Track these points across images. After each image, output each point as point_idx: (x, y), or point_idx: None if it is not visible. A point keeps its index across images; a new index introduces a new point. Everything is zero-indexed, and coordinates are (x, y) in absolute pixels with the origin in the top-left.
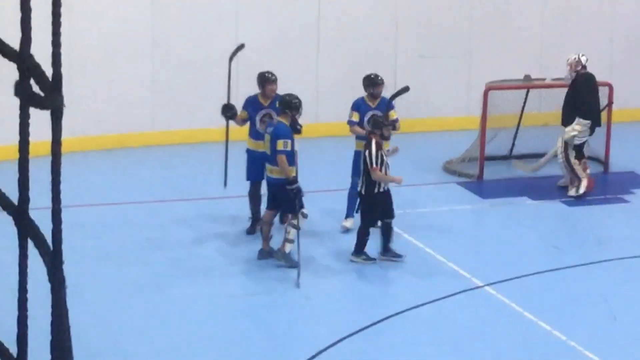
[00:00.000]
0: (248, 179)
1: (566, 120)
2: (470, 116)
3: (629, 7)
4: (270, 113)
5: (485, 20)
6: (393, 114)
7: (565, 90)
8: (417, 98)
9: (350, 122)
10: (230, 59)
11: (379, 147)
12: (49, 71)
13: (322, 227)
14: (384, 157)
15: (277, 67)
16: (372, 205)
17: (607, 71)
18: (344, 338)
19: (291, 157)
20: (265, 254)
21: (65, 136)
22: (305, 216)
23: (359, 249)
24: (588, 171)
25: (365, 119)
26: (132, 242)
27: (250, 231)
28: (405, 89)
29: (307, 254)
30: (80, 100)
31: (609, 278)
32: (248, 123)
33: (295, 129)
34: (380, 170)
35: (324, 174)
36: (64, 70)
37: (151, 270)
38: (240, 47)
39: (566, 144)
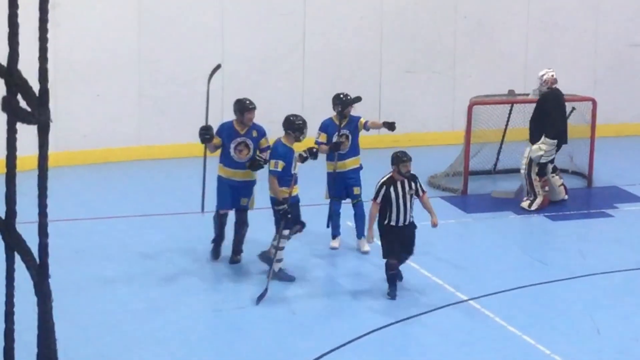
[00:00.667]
0: (218, 207)
1: (532, 137)
2: (455, 131)
3: (613, 22)
4: (246, 142)
5: (470, 35)
6: (362, 120)
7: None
8: (402, 113)
9: (316, 143)
10: (209, 80)
11: (390, 182)
12: (35, 86)
13: (310, 242)
14: (399, 194)
15: (263, 83)
16: (383, 236)
17: (591, 86)
18: (330, 352)
19: (283, 178)
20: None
21: (51, 150)
22: (286, 237)
23: (389, 283)
24: (546, 188)
25: (333, 140)
26: (117, 256)
27: (215, 256)
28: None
29: (296, 268)
30: (67, 114)
31: (593, 292)
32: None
33: (312, 152)
34: (395, 207)
35: (308, 189)
36: (50, 85)
37: (137, 285)
38: (217, 67)
39: (531, 160)
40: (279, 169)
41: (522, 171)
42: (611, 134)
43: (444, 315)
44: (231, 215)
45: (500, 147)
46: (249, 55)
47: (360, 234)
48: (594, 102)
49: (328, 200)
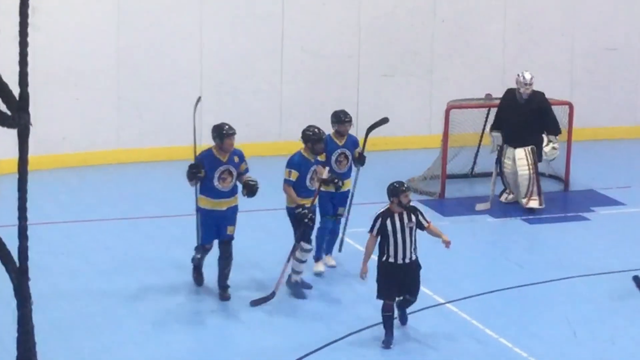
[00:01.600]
0: (204, 242)
1: (527, 140)
2: (432, 134)
3: (590, 26)
4: (229, 169)
5: (447, 39)
6: (356, 153)
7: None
8: (379, 116)
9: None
10: (193, 113)
11: (387, 214)
12: (15, 90)
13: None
14: (397, 227)
15: (241, 85)
16: (380, 274)
17: (568, 90)
18: (308, 354)
19: (298, 187)
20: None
21: (30, 154)
22: (305, 250)
23: (385, 328)
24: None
25: (333, 158)
26: (98, 259)
27: (200, 281)
28: (384, 120)
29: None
30: (46, 118)
31: (570, 295)
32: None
33: (334, 183)
34: (393, 241)
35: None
36: (29, 89)
37: (117, 288)
38: (198, 100)
39: (534, 162)
40: (292, 179)
41: (525, 173)
42: (588, 137)
43: (421, 319)
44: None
45: (478, 151)
46: (227, 58)
47: (328, 250)
48: (571, 106)
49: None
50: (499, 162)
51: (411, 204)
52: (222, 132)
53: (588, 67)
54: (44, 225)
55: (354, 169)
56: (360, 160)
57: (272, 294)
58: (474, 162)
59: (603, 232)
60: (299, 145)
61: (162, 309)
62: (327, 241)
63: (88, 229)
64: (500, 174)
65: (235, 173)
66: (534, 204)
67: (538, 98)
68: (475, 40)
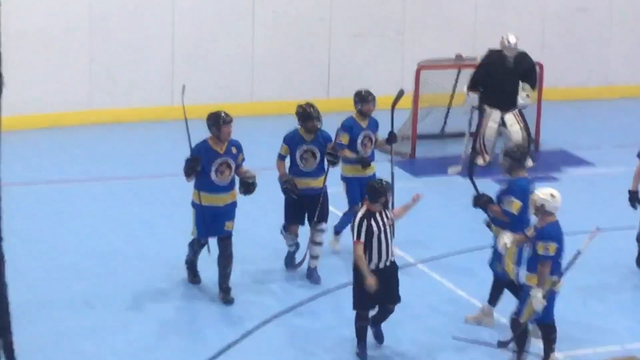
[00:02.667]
0: (200, 237)
1: (512, 102)
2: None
3: None
4: (227, 161)
5: (419, 0)
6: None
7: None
8: (351, 77)
9: (338, 145)
10: (182, 103)
11: (369, 214)
12: None
13: (259, 209)
14: (381, 227)
15: (213, 47)
16: (358, 282)
17: (539, 50)
18: (272, 318)
19: (291, 164)
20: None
21: (2, 115)
22: (319, 230)
23: (357, 339)
24: None
25: (359, 141)
26: (69, 220)
27: (197, 280)
28: (401, 93)
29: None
30: (18, 79)
31: None
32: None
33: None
34: (377, 242)
35: (260, 154)
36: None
37: (88, 248)
38: (183, 89)
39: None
40: (282, 152)
41: (519, 137)
42: (559, 97)
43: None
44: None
45: (448, 111)
46: (199, 20)
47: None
48: (541, 67)
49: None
50: (479, 125)
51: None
52: (219, 120)
53: (559, 28)
54: (17, 186)
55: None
56: (390, 139)
57: (302, 261)
58: (445, 122)
59: (573, 192)
60: (271, 106)
61: (132, 270)
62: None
63: (60, 190)
64: (477, 136)
65: (233, 166)
66: (529, 163)
67: (525, 59)
68: (447, 1)
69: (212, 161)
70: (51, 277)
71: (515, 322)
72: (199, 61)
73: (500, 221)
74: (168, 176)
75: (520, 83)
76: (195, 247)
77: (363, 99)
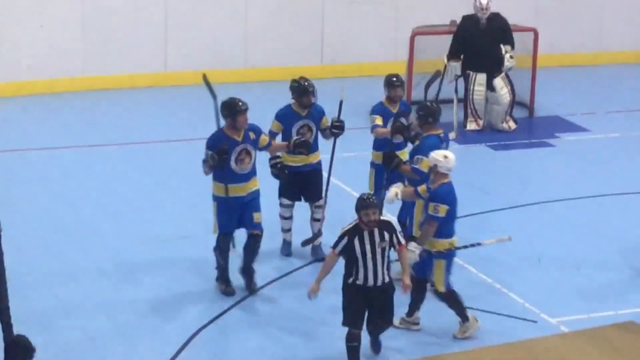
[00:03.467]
0: (223, 230)
1: (493, 64)
2: (398, 61)
3: None
4: (247, 149)
5: None
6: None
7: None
8: (345, 44)
9: (374, 127)
10: (212, 93)
11: (355, 231)
12: None
13: None
14: (367, 247)
15: (206, 13)
16: (345, 298)
17: (533, 16)
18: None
19: (287, 139)
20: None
21: None
22: (283, 205)
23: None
24: None
25: (388, 126)
26: (60, 188)
27: (230, 290)
28: (437, 75)
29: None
30: (10, 45)
31: (535, 221)
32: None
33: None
34: (362, 263)
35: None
36: None
37: (82, 214)
38: (204, 78)
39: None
40: (273, 129)
41: (507, 100)
42: (553, 63)
43: None
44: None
45: (442, 77)
46: None
47: None
48: (536, 32)
49: None
50: (466, 90)
51: (385, 218)
52: (234, 109)
53: None
54: (10, 152)
55: None
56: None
57: (319, 233)
58: (439, 89)
59: (567, 158)
60: (265, 72)
61: (118, 230)
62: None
63: (54, 156)
64: (466, 101)
65: (253, 152)
66: (512, 125)
67: (498, 20)
68: None
69: (231, 150)
70: (44, 244)
71: (439, 294)
72: (192, 27)
73: (414, 180)
74: (162, 142)
75: (502, 46)
76: (221, 245)
77: (390, 84)
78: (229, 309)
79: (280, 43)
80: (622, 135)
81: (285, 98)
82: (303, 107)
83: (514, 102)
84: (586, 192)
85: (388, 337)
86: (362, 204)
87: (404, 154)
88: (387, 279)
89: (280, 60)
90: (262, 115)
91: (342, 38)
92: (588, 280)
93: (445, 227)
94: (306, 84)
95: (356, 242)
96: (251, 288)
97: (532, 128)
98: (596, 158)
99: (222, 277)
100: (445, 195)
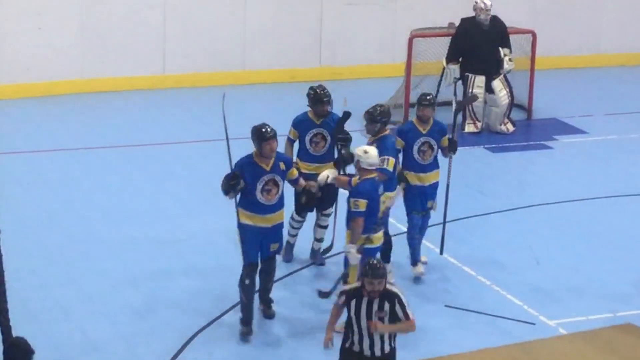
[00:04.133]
0: (249, 260)
1: (493, 66)
2: (396, 63)
3: None
4: (274, 179)
5: None
6: (445, 140)
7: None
8: (343, 45)
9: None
10: (222, 112)
11: (354, 294)
12: None
13: None
14: (362, 315)
15: (205, 15)
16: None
17: (531, 18)
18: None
19: (301, 148)
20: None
21: None
22: (325, 215)
23: None
24: None
25: (415, 147)
26: (61, 190)
27: (248, 331)
28: (474, 98)
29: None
30: (9, 47)
31: (533, 223)
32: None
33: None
34: (357, 328)
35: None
36: None
37: (78, 217)
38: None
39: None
40: (290, 136)
41: (505, 102)
42: (551, 66)
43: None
44: None
45: (441, 79)
46: None
47: (415, 259)
48: (534, 35)
49: None
50: (465, 93)
51: (392, 289)
52: (260, 135)
53: None
54: (8, 154)
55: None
56: (451, 147)
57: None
58: (437, 90)
59: (565, 160)
60: (263, 74)
61: (115, 234)
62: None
63: (52, 158)
64: (465, 104)
65: (281, 183)
66: (510, 127)
67: (497, 22)
68: None
69: (257, 179)
70: (42, 245)
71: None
72: (190, 29)
73: (387, 182)
74: (160, 144)
75: (501, 49)
76: (246, 277)
77: (418, 102)
78: (227, 310)
79: (279, 45)
80: (620, 137)
81: (283, 100)
82: (318, 116)
83: (512, 105)
84: (584, 194)
85: None
86: (370, 272)
87: (436, 176)
88: (387, 349)
89: (279, 62)
90: (261, 117)
91: (340, 40)
92: (586, 282)
93: (365, 223)
94: (322, 92)
95: (352, 305)
96: (268, 314)
97: (530, 130)
98: (594, 160)
99: (245, 317)
100: (366, 190)
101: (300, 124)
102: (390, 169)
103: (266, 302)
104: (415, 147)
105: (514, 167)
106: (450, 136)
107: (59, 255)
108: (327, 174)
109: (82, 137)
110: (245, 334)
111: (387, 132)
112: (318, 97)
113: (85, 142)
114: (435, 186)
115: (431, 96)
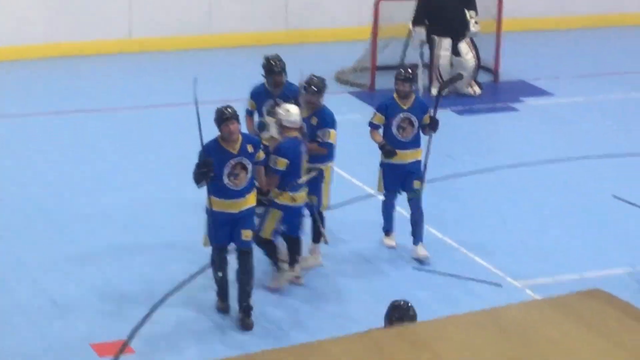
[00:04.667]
0: (215, 242)
1: (458, 28)
2: (362, 26)
3: None
4: (242, 162)
5: None
6: (427, 118)
7: None
8: (310, 9)
9: (370, 124)
10: (194, 96)
11: None
12: None
13: None
14: None
15: None
16: None
17: None
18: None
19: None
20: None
21: None
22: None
23: None
24: None
25: (394, 124)
26: (27, 158)
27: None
28: (458, 77)
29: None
30: None
31: (500, 184)
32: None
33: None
34: None
35: (219, 86)
36: None
37: (48, 185)
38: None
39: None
40: (249, 107)
41: (472, 64)
42: (518, 28)
43: (349, 210)
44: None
45: (407, 42)
46: None
47: (417, 239)
48: None
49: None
50: (431, 56)
51: None
52: (219, 116)
53: None
54: None
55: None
56: (431, 125)
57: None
58: (404, 53)
59: (532, 122)
60: (229, 38)
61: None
62: (413, 230)
63: (17, 125)
64: (431, 66)
65: (249, 167)
66: (477, 90)
67: None
68: None
69: (224, 163)
70: (12, 211)
71: (258, 238)
72: None
73: (321, 157)
74: (127, 109)
75: (467, 11)
76: (215, 258)
77: (395, 77)
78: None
79: (245, 8)
80: (586, 99)
81: (250, 64)
82: (274, 86)
83: (479, 67)
84: (551, 155)
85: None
86: (399, 313)
87: (417, 154)
88: None
89: (245, 26)
90: (227, 81)
91: (307, 3)
92: (553, 243)
93: (287, 181)
94: (274, 63)
95: None
96: (246, 324)
97: (497, 92)
98: (561, 122)
99: (220, 292)
100: (286, 149)
101: (258, 96)
102: (333, 141)
103: (245, 311)
104: (395, 123)
105: (481, 130)
106: (433, 114)
107: (25, 217)
108: (270, 134)
109: (49, 103)
110: (222, 309)
111: (322, 105)
112: (271, 68)
113: (52, 107)
114: (417, 164)
115: (408, 71)
